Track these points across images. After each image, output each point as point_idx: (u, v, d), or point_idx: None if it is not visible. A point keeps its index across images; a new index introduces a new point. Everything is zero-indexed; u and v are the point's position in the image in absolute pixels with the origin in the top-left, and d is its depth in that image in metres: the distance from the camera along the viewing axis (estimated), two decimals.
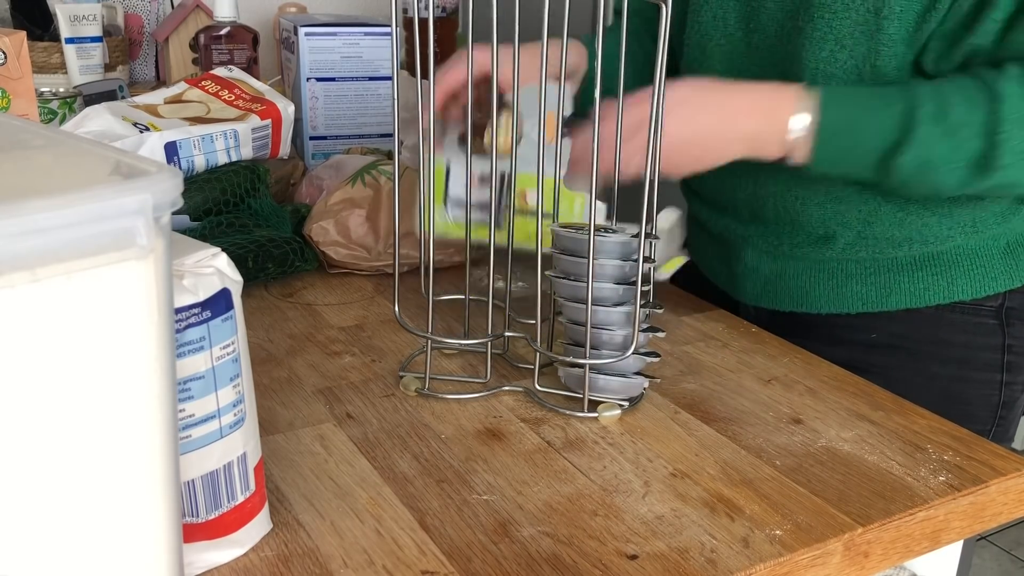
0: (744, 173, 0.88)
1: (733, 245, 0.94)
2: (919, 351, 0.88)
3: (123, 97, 1.26)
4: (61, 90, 1.28)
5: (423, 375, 0.72)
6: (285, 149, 1.05)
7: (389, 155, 1.09)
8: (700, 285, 0.99)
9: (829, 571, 0.56)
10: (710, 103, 0.78)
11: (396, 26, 0.63)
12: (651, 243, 0.70)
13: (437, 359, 0.77)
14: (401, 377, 0.73)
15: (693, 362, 0.78)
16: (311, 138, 1.17)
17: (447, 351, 0.79)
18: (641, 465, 0.63)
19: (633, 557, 0.53)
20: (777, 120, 0.76)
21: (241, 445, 0.51)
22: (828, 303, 0.90)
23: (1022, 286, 0.87)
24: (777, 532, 0.56)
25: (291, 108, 1.03)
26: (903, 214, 0.83)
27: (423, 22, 1.26)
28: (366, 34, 1.16)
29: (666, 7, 0.60)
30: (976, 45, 0.75)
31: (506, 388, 0.72)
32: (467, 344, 0.76)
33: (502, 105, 0.79)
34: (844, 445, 0.66)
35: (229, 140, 0.97)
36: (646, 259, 0.68)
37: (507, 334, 0.75)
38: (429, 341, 0.72)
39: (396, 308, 0.73)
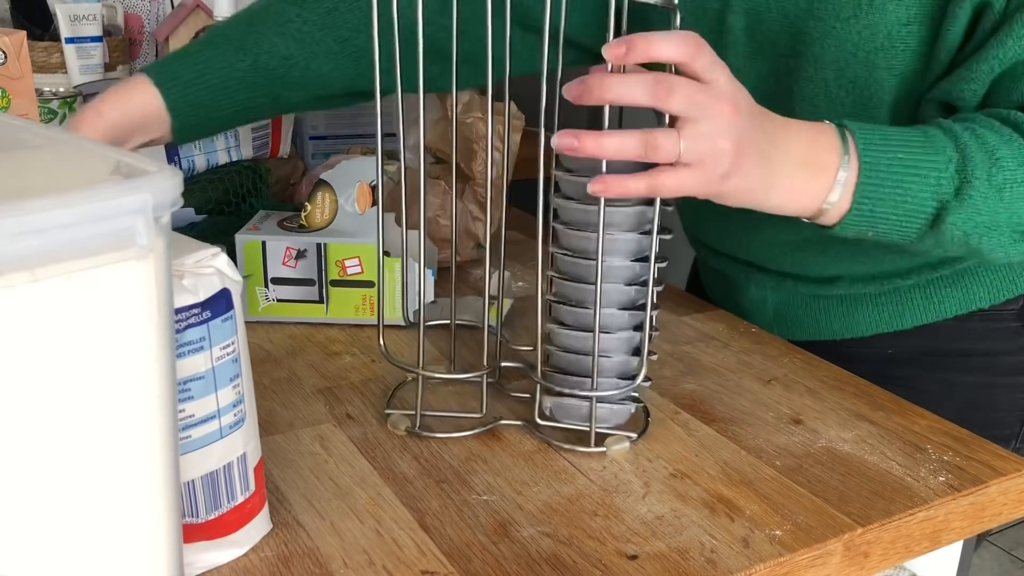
0: (740, 225, 0.86)
1: (737, 281, 0.93)
2: (940, 362, 0.86)
3: None
4: (61, 90, 1.28)
5: (412, 413, 0.66)
6: (285, 148, 1.05)
7: (390, 155, 1.09)
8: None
9: (829, 571, 0.56)
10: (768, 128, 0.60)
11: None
12: (657, 267, 0.65)
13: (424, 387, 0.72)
14: (388, 415, 0.67)
15: (693, 362, 0.78)
16: (311, 138, 1.17)
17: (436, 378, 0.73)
18: (641, 465, 0.63)
19: (633, 557, 0.53)
20: (823, 170, 0.61)
21: (241, 445, 0.51)
22: (840, 330, 0.88)
23: None
24: (777, 532, 0.56)
25: None
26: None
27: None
28: None
29: (678, 12, 0.57)
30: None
31: (503, 423, 0.67)
32: (461, 378, 0.72)
33: (320, 183, 0.80)
34: (844, 445, 0.66)
35: (229, 140, 0.97)
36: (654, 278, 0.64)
37: (502, 364, 0.70)
38: (421, 376, 0.66)
39: (381, 341, 0.67)
